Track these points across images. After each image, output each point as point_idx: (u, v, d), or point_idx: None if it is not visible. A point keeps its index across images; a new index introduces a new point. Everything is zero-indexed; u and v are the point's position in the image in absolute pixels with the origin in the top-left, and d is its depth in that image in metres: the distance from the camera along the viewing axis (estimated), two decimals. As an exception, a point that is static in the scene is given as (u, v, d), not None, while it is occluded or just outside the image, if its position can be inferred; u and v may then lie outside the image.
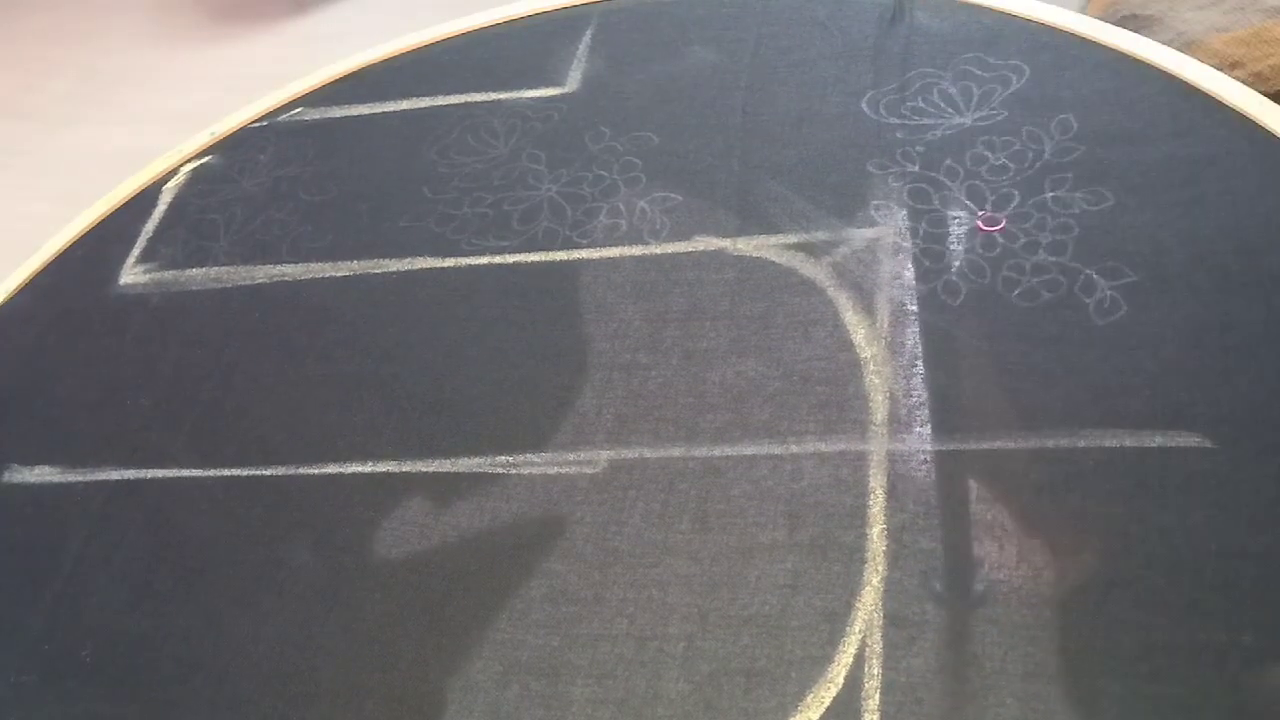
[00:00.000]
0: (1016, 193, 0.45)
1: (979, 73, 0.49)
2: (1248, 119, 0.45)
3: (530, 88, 0.57)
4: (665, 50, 0.57)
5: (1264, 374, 0.38)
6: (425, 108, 0.59)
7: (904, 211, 0.46)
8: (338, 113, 0.60)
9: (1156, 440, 0.38)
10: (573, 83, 0.57)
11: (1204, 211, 0.43)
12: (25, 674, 0.43)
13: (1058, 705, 0.33)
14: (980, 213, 0.45)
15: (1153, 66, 0.48)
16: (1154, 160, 0.45)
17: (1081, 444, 0.38)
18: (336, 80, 0.63)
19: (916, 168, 0.48)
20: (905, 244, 0.45)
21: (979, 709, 0.34)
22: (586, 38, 0.59)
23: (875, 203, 0.47)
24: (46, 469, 0.49)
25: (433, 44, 0.63)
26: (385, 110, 0.59)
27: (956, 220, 0.45)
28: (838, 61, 0.53)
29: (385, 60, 0.63)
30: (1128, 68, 0.46)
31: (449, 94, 0.59)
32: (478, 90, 0.58)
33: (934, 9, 0.53)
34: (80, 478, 0.48)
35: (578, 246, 0.49)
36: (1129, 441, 0.38)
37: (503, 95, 0.58)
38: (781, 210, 0.48)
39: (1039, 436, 0.39)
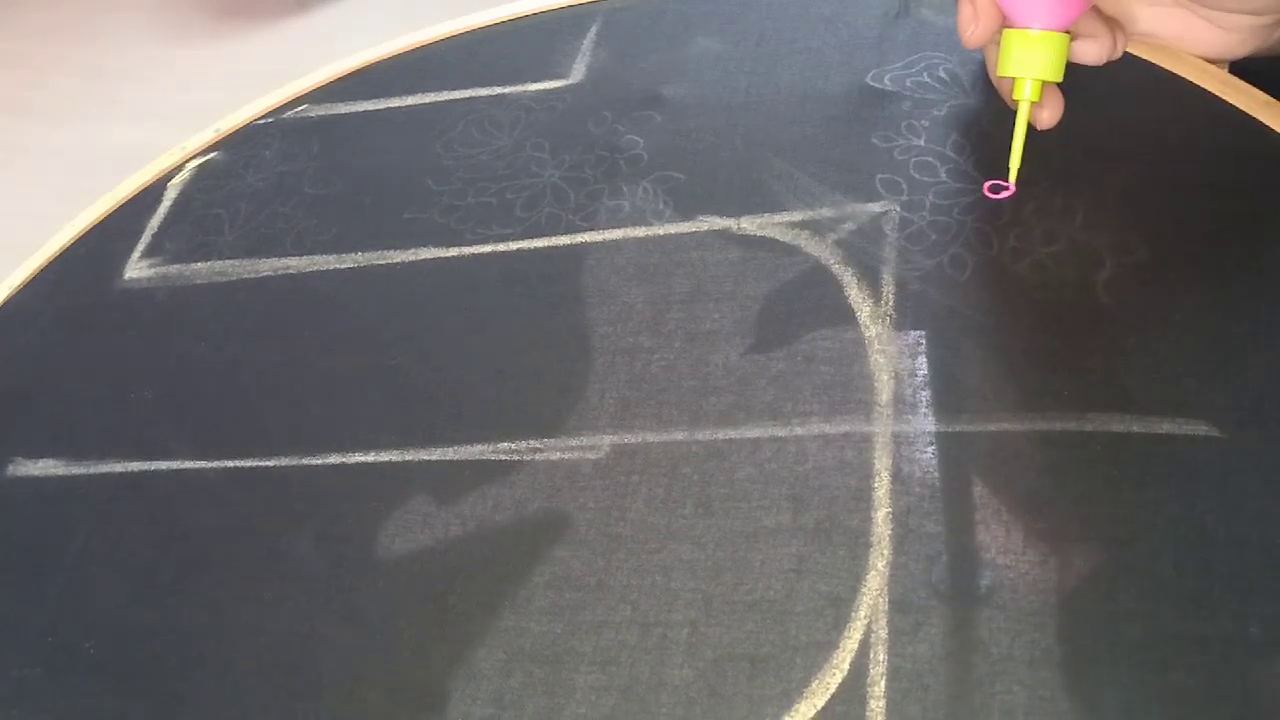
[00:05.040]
0: (1024, 164, 0.45)
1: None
2: (1252, 118, 0.45)
3: (534, 81, 0.57)
4: (669, 42, 0.57)
5: (1273, 364, 0.38)
6: (429, 103, 0.59)
7: (909, 184, 0.46)
8: (343, 109, 0.60)
9: (1164, 427, 0.37)
10: (576, 75, 0.57)
11: (1213, 200, 0.43)
12: (28, 668, 0.43)
13: (1063, 693, 0.33)
14: (987, 181, 0.45)
15: (1156, 67, 0.47)
16: (1161, 149, 0.45)
17: (1089, 428, 0.38)
18: (341, 77, 0.63)
19: (922, 141, 0.47)
20: (911, 217, 0.45)
21: (985, 696, 0.33)
22: (591, 33, 0.59)
23: (880, 176, 0.47)
24: (50, 462, 0.49)
25: (437, 41, 0.63)
26: (390, 106, 0.59)
27: (963, 192, 0.45)
28: (843, 49, 0.53)
29: (390, 58, 0.63)
30: (1134, 70, 0.46)
31: (453, 89, 0.59)
32: (482, 85, 0.58)
33: (939, 6, 0.53)
34: (84, 471, 0.48)
35: (580, 230, 0.49)
36: (1136, 427, 0.38)
37: (507, 89, 0.58)
38: (785, 187, 0.48)
39: (1045, 419, 0.38)
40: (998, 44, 0.44)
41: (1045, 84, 0.43)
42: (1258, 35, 0.45)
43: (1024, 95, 0.43)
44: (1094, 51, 0.44)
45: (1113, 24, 0.45)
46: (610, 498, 0.41)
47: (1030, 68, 0.42)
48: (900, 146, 0.48)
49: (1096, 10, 0.44)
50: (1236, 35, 0.46)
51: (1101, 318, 0.40)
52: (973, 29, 0.43)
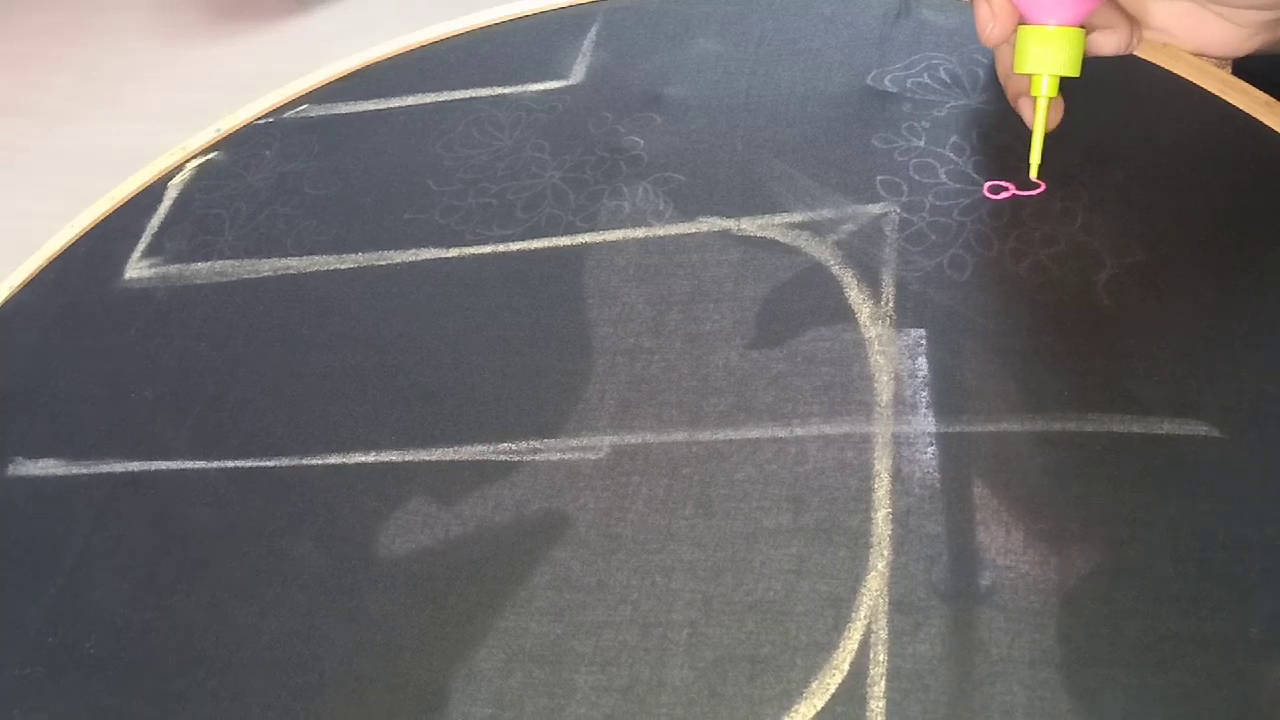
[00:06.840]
0: (1023, 166, 0.45)
1: (986, 60, 0.49)
2: (1252, 118, 0.45)
3: (535, 82, 0.57)
4: (670, 42, 0.57)
5: (1272, 365, 0.38)
6: (430, 103, 0.59)
7: (909, 185, 0.46)
8: (343, 109, 0.60)
9: (1164, 427, 0.37)
10: (577, 75, 0.57)
11: (1212, 200, 0.43)
12: (29, 667, 0.43)
13: (1063, 693, 0.33)
14: (987, 182, 0.45)
15: (1156, 67, 0.47)
16: (1161, 149, 0.45)
17: (1089, 428, 0.38)
18: (342, 77, 0.62)
19: (922, 142, 0.48)
20: (911, 218, 0.45)
21: (985, 696, 0.33)
22: (591, 34, 0.59)
23: (880, 177, 0.47)
24: (51, 462, 0.49)
25: (437, 42, 0.63)
26: (390, 106, 0.59)
27: (963, 193, 0.45)
28: (844, 49, 0.53)
29: (390, 58, 0.63)
30: (1134, 70, 0.46)
31: (454, 90, 0.59)
32: (482, 85, 0.58)
33: (940, 7, 0.53)
34: (84, 470, 0.48)
35: (581, 231, 0.49)
36: (1136, 428, 0.38)
37: (507, 90, 0.58)
38: (786, 188, 0.48)
39: (1045, 420, 0.38)
40: (1012, 44, 0.44)
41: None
42: (1268, 30, 0.45)
43: (1041, 91, 0.43)
44: (1112, 42, 0.44)
45: (1129, 15, 0.45)
46: (610, 498, 0.41)
47: (1047, 63, 0.42)
48: (900, 148, 0.48)
49: (1113, 1, 0.44)
50: (1248, 30, 0.46)
51: (1101, 318, 0.40)
52: (991, 27, 0.43)
